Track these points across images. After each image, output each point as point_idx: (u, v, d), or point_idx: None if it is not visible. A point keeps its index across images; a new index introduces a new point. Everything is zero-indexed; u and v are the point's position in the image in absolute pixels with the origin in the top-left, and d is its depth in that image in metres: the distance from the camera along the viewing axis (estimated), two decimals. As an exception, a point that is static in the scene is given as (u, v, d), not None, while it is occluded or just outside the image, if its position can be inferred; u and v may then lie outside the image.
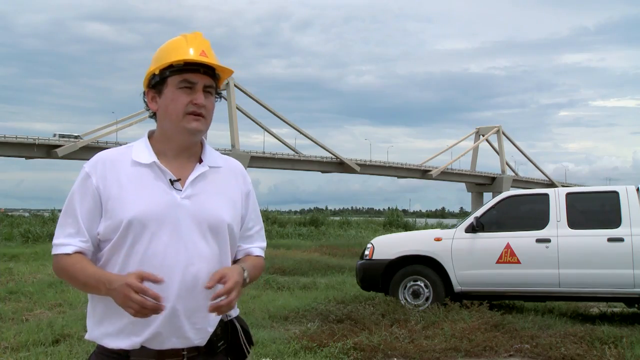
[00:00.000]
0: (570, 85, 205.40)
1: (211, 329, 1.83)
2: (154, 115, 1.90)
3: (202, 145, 1.93)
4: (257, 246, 2.01)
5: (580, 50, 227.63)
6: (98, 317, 1.82)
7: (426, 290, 8.14)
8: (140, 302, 1.64)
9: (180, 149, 1.87)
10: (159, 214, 1.77)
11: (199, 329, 1.80)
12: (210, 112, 1.87)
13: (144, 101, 1.90)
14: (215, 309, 1.73)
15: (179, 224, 1.78)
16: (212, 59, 1.84)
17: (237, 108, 74.32)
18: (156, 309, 1.66)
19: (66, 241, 1.80)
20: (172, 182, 1.82)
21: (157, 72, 1.83)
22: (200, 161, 1.89)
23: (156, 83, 1.84)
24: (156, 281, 1.68)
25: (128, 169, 1.82)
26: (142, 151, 1.85)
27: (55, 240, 1.83)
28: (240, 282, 1.79)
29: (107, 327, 1.79)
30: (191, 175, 1.85)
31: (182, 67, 1.81)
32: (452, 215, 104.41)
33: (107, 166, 1.82)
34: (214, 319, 1.84)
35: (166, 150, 1.87)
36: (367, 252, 8.58)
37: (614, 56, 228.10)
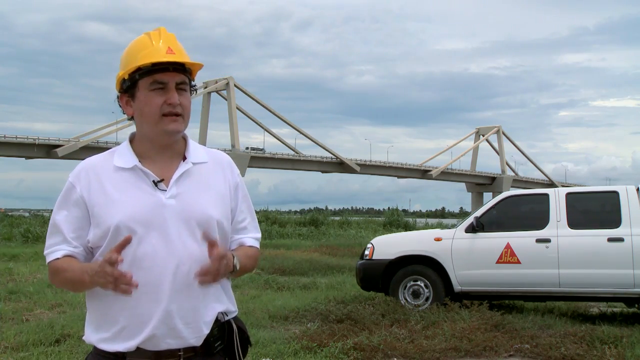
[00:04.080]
0: (570, 85, 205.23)
1: (206, 329, 1.82)
2: (132, 119, 1.88)
3: (185, 141, 1.92)
4: (251, 236, 1.99)
5: (580, 50, 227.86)
6: (95, 324, 1.83)
7: (426, 290, 8.14)
8: (110, 273, 1.62)
9: (161, 149, 1.86)
10: (145, 216, 1.76)
11: (194, 329, 1.80)
12: (187, 109, 1.85)
13: (119, 106, 1.88)
14: (201, 273, 1.72)
15: (166, 225, 1.78)
16: (179, 55, 1.81)
17: (237, 108, 74.29)
18: (126, 280, 1.63)
19: (55, 248, 1.82)
20: (155, 183, 1.81)
21: (126, 76, 1.81)
22: (184, 158, 1.88)
23: (128, 87, 1.82)
24: (128, 240, 1.67)
25: (111, 175, 1.81)
26: (124, 155, 1.85)
27: (45, 251, 1.85)
28: (228, 260, 1.77)
29: (103, 333, 1.80)
30: (175, 173, 1.84)
31: (150, 68, 1.78)
32: (452, 215, 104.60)
33: (91, 174, 1.82)
34: (209, 318, 1.83)
35: (148, 152, 1.86)
36: (367, 252, 8.58)
37: (614, 56, 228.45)
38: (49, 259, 1.83)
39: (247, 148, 77.77)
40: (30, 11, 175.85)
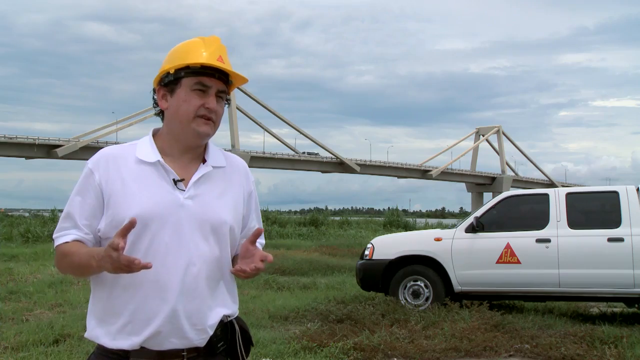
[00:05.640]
0: (570, 85, 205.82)
1: (211, 330, 1.83)
2: (160, 113, 1.90)
3: (205, 144, 1.93)
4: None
5: (580, 50, 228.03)
6: (98, 316, 1.81)
7: (426, 290, 8.14)
8: (117, 259, 1.58)
9: (185, 149, 1.87)
10: (161, 213, 1.77)
11: (199, 330, 1.80)
12: (220, 117, 1.87)
13: (154, 98, 1.90)
14: (240, 270, 1.78)
15: (180, 224, 1.78)
16: (228, 66, 1.85)
17: (237, 108, 74.32)
18: (137, 264, 1.59)
19: (65, 232, 1.81)
20: (175, 182, 1.81)
21: (172, 71, 1.82)
22: (204, 161, 1.89)
23: (169, 82, 1.84)
24: (133, 224, 1.61)
25: (132, 167, 1.81)
26: (147, 149, 1.85)
27: (55, 234, 1.84)
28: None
29: (107, 327, 1.78)
30: (195, 175, 1.85)
31: (198, 69, 1.81)
32: (452, 215, 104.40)
33: (111, 163, 1.82)
34: (214, 321, 1.84)
35: (171, 150, 1.87)
36: (367, 252, 8.58)
37: (614, 56, 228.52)
38: (57, 242, 1.82)
39: (303, 152, 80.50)
40: (30, 11, 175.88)
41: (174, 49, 1.88)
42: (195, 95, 1.81)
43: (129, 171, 1.81)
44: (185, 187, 1.82)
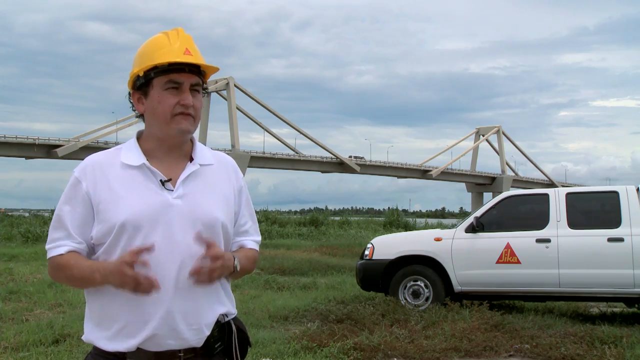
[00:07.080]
0: (570, 85, 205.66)
1: (208, 330, 1.82)
2: (141, 116, 1.88)
3: (192, 142, 1.92)
4: (252, 239, 2.01)
5: (580, 50, 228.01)
6: (95, 320, 1.82)
7: (426, 290, 8.14)
8: (133, 276, 1.66)
9: (170, 149, 1.86)
10: (151, 215, 1.76)
11: (195, 330, 1.80)
12: (199, 111, 1.85)
13: (130, 102, 1.89)
14: (195, 272, 1.74)
15: (171, 225, 1.77)
16: (196, 57, 1.82)
17: (237, 108, 74.30)
18: (150, 283, 1.68)
19: (59, 243, 1.80)
20: (162, 182, 1.81)
21: (141, 74, 1.81)
22: (191, 159, 1.88)
23: (141, 84, 1.82)
24: (148, 250, 1.69)
25: (118, 172, 1.81)
26: (131, 153, 1.84)
27: (47, 245, 1.83)
28: (228, 261, 1.80)
29: (103, 331, 1.79)
30: (182, 174, 1.84)
31: (166, 67, 1.78)
32: (452, 215, 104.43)
33: (97, 170, 1.82)
34: (211, 320, 1.83)
35: (156, 151, 1.86)
36: (367, 252, 8.58)
37: (614, 56, 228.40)
38: (51, 253, 1.81)
39: (350, 156, 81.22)
40: (30, 11, 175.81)
41: (139, 50, 1.85)
42: (168, 94, 1.79)
43: (116, 177, 1.80)
44: (174, 187, 1.81)
